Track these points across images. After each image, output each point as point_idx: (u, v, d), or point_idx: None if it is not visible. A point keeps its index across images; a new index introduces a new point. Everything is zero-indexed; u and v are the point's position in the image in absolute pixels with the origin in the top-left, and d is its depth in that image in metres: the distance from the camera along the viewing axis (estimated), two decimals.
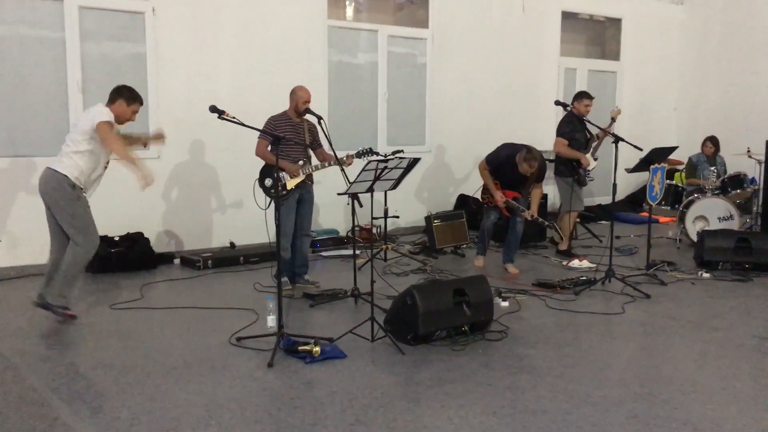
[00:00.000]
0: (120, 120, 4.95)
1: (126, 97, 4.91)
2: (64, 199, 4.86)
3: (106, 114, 4.81)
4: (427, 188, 9.30)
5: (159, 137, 5.63)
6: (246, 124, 4.71)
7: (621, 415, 3.59)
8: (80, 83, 6.78)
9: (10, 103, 6.54)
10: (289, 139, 5.38)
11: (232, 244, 7.57)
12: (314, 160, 6.00)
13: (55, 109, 6.75)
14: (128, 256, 6.78)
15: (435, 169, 9.33)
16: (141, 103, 5.02)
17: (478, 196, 7.07)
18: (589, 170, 7.41)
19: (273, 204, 5.81)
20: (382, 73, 8.84)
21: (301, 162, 5.85)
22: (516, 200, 6.68)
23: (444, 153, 9.40)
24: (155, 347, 4.62)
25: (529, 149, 6.48)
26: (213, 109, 4.60)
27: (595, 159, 7.56)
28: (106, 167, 5.08)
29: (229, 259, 7.12)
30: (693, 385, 4.01)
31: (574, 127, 7.38)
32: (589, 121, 6.97)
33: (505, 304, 5.61)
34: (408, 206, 8.87)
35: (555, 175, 7.67)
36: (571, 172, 7.43)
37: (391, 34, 8.90)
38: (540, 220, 6.66)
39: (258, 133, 5.71)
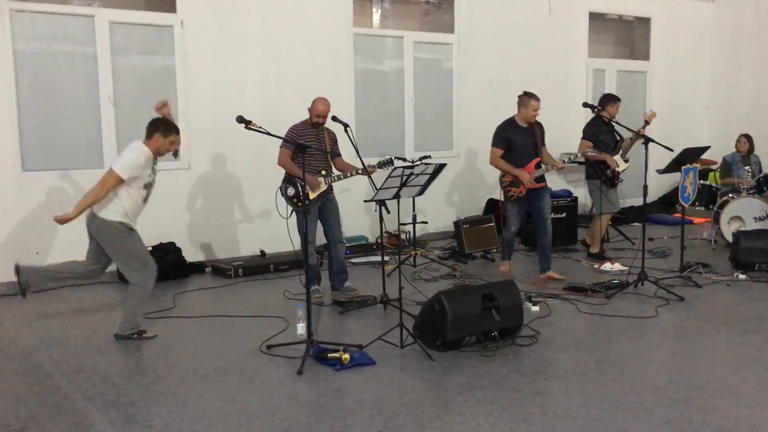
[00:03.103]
0: (160, 152, 5.00)
1: (162, 130, 4.96)
2: (117, 239, 4.91)
3: (127, 167, 4.80)
4: (455, 193, 9.27)
5: (163, 106, 5.35)
6: (273, 133, 4.77)
7: (654, 421, 3.53)
8: (112, 96, 6.91)
9: (44, 117, 6.69)
10: (311, 146, 5.41)
11: (263, 253, 7.63)
12: (334, 170, 6.03)
13: (87, 122, 6.88)
14: (160, 266, 6.83)
15: (463, 173, 9.30)
16: (177, 132, 5.04)
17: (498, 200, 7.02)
18: (619, 172, 7.32)
19: (295, 213, 5.87)
20: (408, 79, 8.85)
21: (323, 172, 5.89)
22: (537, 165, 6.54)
23: (472, 157, 9.36)
24: (187, 355, 4.68)
25: (524, 93, 6.52)
26: (240, 119, 4.66)
27: (627, 161, 7.47)
28: (147, 198, 5.09)
29: (260, 267, 7.18)
30: (728, 389, 3.93)
31: (599, 129, 7.32)
32: (619, 123, 6.89)
33: (536, 308, 5.56)
34: (437, 211, 8.86)
35: (585, 179, 7.63)
36: (599, 174, 7.35)
37: (417, 40, 8.90)
38: (570, 159, 6.57)
39: (280, 142, 5.79)
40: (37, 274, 5.20)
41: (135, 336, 5.05)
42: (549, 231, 6.67)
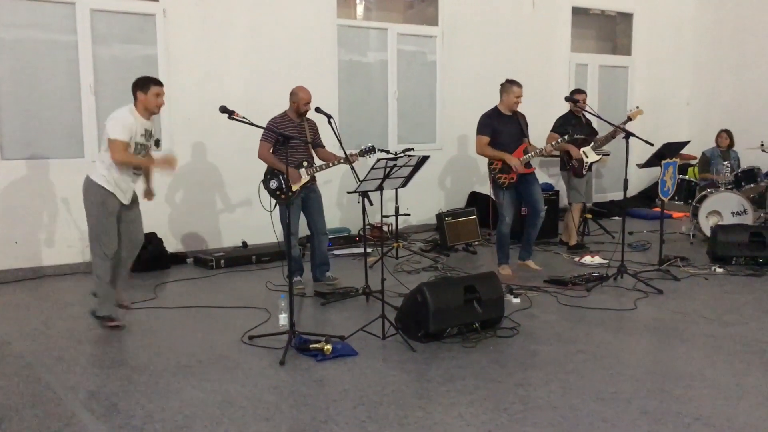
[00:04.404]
0: (150, 109, 4.95)
1: (141, 87, 4.90)
2: (89, 203, 4.90)
3: (118, 128, 4.78)
4: (438, 186, 9.30)
5: (168, 163, 5.19)
6: (256, 123, 4.76)
7: (632, 410, 3.58)
8: (92, 85, 6.84)
9: (24, 106, 6.61)
10: (294, 138, 5.41)
11: (245, 244, 7.61)
12: (317, 160, 6.03)
13: (68, 111, 6.82)
14: (142, 257, 6.78)
15: (446, 166, 9.33)
16: (159, 84, 4.96)
17: (489, 193, 6.96)
18: (587, 163, 7.45)
19: (278, 205, 5.87)
20: (392, 71, 8.85)
21: (305, 163, 5.88)
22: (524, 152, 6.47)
23: (455, 150, 9.40)
24: (169, 346, 4.66)
25: (507, 80, 6.48)
26: (223, 109, 4.65)
27: (607, 154, 7.56)
28: (138, 171, 5.08)
29: (242, 258, 7.17)
30: (705, 380, 4.00)
31: (568, 122, 7.51)
32: (601, 118, 6.94)
33: (517, 300, 5.61)
34: (419, 204, 8.87)
35: (559, 170, 7.87)
36: (564, 164, 7.58)
37: (401, 32, 8.90)
38: (537, 152, 6.47)
39: (259, 135, 5.77)
40: (103, 297, 5.02)
41: (101, 322, 4.98)
42: (540, 223, 6.65)
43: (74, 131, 6.85)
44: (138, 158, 4.92)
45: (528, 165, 6.52)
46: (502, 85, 6.54)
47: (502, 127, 6.45)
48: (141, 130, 4.93)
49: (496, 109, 6.55)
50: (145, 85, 4.92)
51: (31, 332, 4.98)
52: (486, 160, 6.61)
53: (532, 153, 6.44)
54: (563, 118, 7.62)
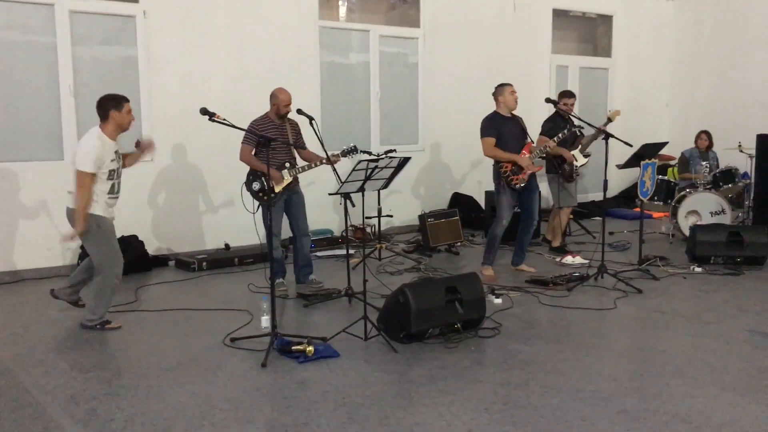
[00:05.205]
0: (123, 127, 4.95)
1: (114, 105, 4.89)
2: (86, 233, 4.92)
3: (88, 161, 4.76)
4: (421, 187, 9.32)
5: (149, 146, 5.40)
6: (237, 125, 4.75)
7: (611, 409, 3.62)
8: (72, 87, 6.79)
9: (2, 107, 6.54)
10: (275, 140, 5.40)
11: (227, 246, 7.59)
12: (299, 161, 6.03)
13: (47, 113, 6.76)
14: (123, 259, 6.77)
15: (429, 167, 9.36)
16: (127, 100, 4.99)
17: (475, 195, 6.97)
18: (577, 166, 7.47)
19: (261, 207, 5.86)
20: (374, 72, 8.86)
21: (287, 164, 5.87)
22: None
23: (437, 152, 9.43)
24: (149, 349, 4.64)
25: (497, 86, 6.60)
26: (204, 111, 4.64)
27: (588, 155, 7.60)
28: (114, 190, 5.04)
29: (224, 260, 7.14)
30: (683, 378, 4.04)
31: (556, 124, 7.45)
32: (582, 120, 7.00)
33: (498, 301, 5.64)
34: (402, 205, 8.89)
35: (546, 173, 7.75)
36: (557, 168, 7.50)
37: (383, 33, 8.92)
38: (559, 136, 6.69)
39: (242, 137, 5.76)
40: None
41: (98, 327, 5.02)
42: (533, 230, 6.80)
43: (53, 133, 6.79)
44: (84, 214, 4.82)
45: (534, 164, 6.61)
46: (496, 89, 6.59)
47: (504, 129, 6.50)
48: (111, 154, 4.92)
49: (495, 113, 6.59)
50: (120, 103, 4.92)
51: (10, 336, 4.93)
52: (476, 162, 6.67)
53: (536, 152, 6.54)
54: (552, 121, 7.55)
